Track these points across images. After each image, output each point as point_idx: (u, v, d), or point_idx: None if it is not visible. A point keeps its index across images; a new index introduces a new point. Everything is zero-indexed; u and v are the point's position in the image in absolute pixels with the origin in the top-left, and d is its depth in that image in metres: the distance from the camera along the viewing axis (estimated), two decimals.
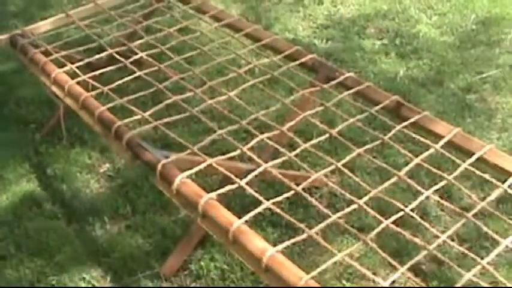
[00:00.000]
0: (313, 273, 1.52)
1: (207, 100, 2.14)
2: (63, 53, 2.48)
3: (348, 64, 3.55)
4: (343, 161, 1.90)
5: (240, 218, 1.64)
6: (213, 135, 1.97)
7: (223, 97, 2.16)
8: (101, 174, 2.78)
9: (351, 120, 2.09)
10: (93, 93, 2.19)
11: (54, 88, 2.36)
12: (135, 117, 2.06)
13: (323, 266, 1.57)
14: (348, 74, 2.30)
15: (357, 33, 3.92)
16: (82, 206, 2.61)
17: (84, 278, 2.28)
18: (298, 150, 1.93)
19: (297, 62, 2.38)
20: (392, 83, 3.38)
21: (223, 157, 1.91)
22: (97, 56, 2.46)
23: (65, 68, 2.35)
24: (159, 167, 1.84)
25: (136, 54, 2.44)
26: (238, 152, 1.91)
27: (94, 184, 2.73)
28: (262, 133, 1.97)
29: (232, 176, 1.79)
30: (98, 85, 2.23)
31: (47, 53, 2.49)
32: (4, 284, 2.29)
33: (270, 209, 1.71)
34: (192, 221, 2.37)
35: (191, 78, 2.68)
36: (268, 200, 1.71)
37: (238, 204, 2.46)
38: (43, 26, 2.78)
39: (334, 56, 3.64)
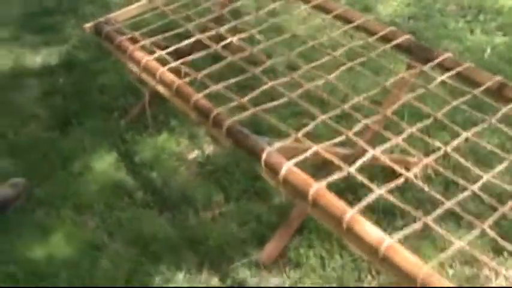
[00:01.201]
0: (433, 263, 1.46)
1: (303, 85, 2.08)
2: (151, 39, 2.46)
3: (432, 42, 3.44)
4: (452, 145, 1.83)
5: (350, 205, 1.59)
6: (317, 120, 1.91)
7: (321, 81, 2.09)
8: (191, 161, 2.76)
9: (454, 103, 2.00)
10: (186, 80, 2.16)
11: (144, 75, 2.34)
12: (232, 104, 2.01)
13: (443, 255, 1.51)
14: (446, 55, 2.20)
15: (439, 11, 3.79)
16: (174, 194, 2.59)
17: (181, 267, 2.26)
18: (405, 135, 1.85)
19: (393, 43, 2.29)
20: (480, 62, 3.25)
21: (328, 143, 1.85)
22: (185, 42, 2.42)
23: (155, 55, 2.32)
24: (264, 155, 1.79)
25: (226, 38, 2.40)
26: (343, 137, 1.85)
27: (184, 171, 2.70)
28: (363, 117, 1.91)
29: (341, 163, 1.73)
30: (190, 72, 2.19)
31: (133, 40, 2.47)
32: (101, 274, 2.29)
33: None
34: (289, 207, 2.32)
35: (284, 63, 2.63)
36: (377, 186, 1.65)
37: (345, 190, 2.39)
38: (126, 12, 2.76)
39: (418, 34, 3.52)
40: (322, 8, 2.61)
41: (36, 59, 3.64)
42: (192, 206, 2.52)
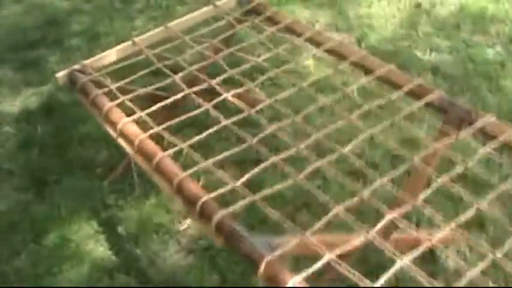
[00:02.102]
0: None
1: (313, 162, 1.68)
2: (131, 94, 2.07)
3: (459, 82, 3.03)
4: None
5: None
6: (330, 214, 1.51)
7: (334, 156, 1.69)
8: (182, 233, 2.36)
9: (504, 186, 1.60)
10: (171, 151, 1.78)
11: (121, 141, 1.96)
12: (227, 189, 1.62)
13: None
14: (489, 119, 1.79)
15: (464, 40, 3.38)
16: (160, 277, 2.20)
17: None
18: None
19: (422, 103, 1.88)
20: None
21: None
22: (171, 99, 2.03)
23: (135, 116, 1.94)
24: (263, 265, 1.39)
25: (219, 95, 2.01)
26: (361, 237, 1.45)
27: (173, 246, 2.30)
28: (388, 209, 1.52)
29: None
30: (175, 140, 1.80)
31: (111, 95, 2.09)
32: None
33: None
34: None
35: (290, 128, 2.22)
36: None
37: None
38: (106, 57, 2.37)
39: (442, 70, 3.12)
40: (336, 53, 2.21)
41: (15, 102, 3.26)
42: None
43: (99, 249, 2.33)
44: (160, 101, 2.04)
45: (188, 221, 2.40)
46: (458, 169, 1.61)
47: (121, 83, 2.14)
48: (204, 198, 1.59)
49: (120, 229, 2.40)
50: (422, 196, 1.53)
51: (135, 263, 2.26)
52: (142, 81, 2.18)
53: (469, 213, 1.50)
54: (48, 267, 2.27)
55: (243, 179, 1.65)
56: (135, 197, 2.51)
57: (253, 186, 1.61)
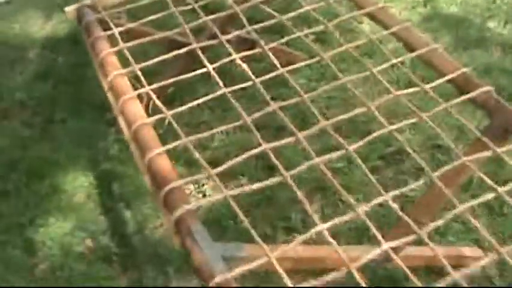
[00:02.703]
0: None
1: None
2: (138, 40, 1.80)
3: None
4: None
5: None
6: (316, 229, 1.22)
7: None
8: None
9: None
10: (154, 118, 1.51)
11: (109, 95, 1.71)
12: (200, 176, 1.36)
13: None
14: None
15: None
16: (145, 247, 1.97)
17: None
18: None
19: (466, 97, 1.53)
20: None
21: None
22: (174, 53, 1.75)
23: (129, 69, 1.68)
24: (212, 284, 1.13)
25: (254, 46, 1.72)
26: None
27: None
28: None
29: None
30: (162, 107, 1.53)
31: (113, 40, 1.83)
32: None
33: None
34: None
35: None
36: None
37: None
38: None
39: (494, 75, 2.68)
40: (377, 20, 1.87)
41: (45, 26, 3.04)
42: (163, 269, 1.89)
43: (89, 205, 2.12)
44: (179, 48, 1.78)
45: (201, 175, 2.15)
46: (488, 195, 1.29)
47: (133, 24, 1.89)
48: (170, 185, 1.33)
49: (115, 186, 2.18)
50: (431, 227, 1.22)
51: (122, 228, 2.04)
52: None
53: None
54: (33, 217, 2.08)
55: (222, 168, 1.38)
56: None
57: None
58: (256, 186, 1.34)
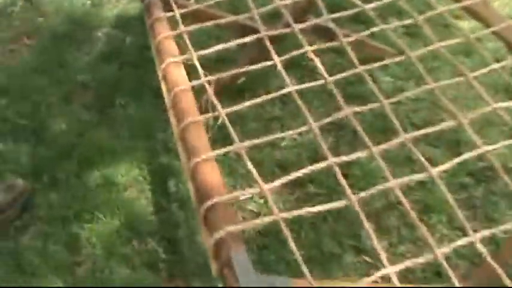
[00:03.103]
0: None
1: None
2: (198, 25, 1.59)
3: None
4: None
5: None
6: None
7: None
8: (241, 205, 1.91)
9: None
10: (205, 116, 1.31)
11: (162, 85, 1.51)
12: (251, 192, 1.15)
13: None
14: None
15: None
16: (195, 256, 1.78)
17: None
18: None
19: None
20: None
21: None
22: (239, 41, 1.53)
23: (185, 56, 1.48)
24: None
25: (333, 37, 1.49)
26: None
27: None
28: None
29: None
30: (216, 104, 1.32)
31: (175, 22, 1.63)
32: None
33: None
34: None
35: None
36: None
37: None
38: None
39: None
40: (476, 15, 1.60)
41: (118, 4, 2.89)
42: (212, 282, 1.70)
43: (141, 202, 1.94)
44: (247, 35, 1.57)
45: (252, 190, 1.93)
46: None
47: (198, 6, 1.69)
48: (213, 200, 1.12)
49: (171, 183, 1.99)
50: None
51: (173, 231, 1.85)
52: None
53: None
54: (80, 210, 1.93)
55: (277, 183, 1.15)
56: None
57: None
58: (316, 209, 1.11)
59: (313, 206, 1.66)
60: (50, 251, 1.82)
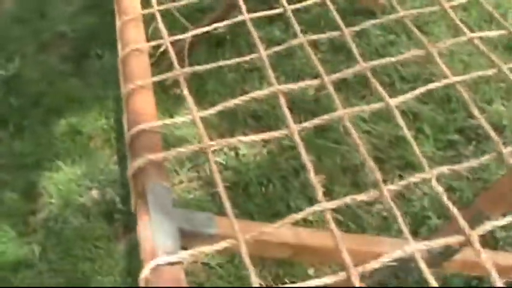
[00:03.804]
0: None
1: None
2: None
3: None
4: None
5: None
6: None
7: None
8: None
9: None
10: (151, 44, 1.18)
11: (117, 22, 1.39)
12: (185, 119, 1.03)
13: None
14: None
15: None
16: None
17: None
18: None
19: None
20: None
21: None
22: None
23: None
24: (145, 272, 0.80)
25: None
26: None
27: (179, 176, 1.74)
28: None
29: None
30: (163, 32, 1.19)
31: None
32: None
33: None
34: None
35: None
36: None
37: None
38: None
39: None
40: None
41: None
42: None
43: (104, 152, 1.83)
44: None
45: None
46: None
47: None
48: (140, 127, 0.99)
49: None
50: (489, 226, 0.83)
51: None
52: None
53: None
54: (41, 158, 1.83)
55: (212, 110, 1.03)
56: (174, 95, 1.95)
57: None
58: (250, 138, 0.98)
59: (286, 160, 1.54)
60: (6, 198, 1.72)
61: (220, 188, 0.89)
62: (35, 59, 2.23)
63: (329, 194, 1.65)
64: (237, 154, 1.75)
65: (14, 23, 2.41)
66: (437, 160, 1.71)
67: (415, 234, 1.53)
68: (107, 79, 2.07)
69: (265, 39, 2.01)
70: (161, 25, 1.23)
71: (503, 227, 1.63)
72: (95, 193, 1.70)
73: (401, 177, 1.66)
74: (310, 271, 1.44)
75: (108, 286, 1.47)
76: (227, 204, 0.85)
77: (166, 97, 1.91)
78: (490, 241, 1.59)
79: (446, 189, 1.47)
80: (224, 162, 1.75)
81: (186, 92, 1.05)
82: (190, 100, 1.03)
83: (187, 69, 1.11)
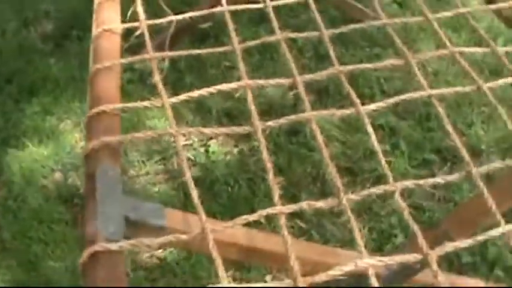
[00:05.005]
0: None
1: None
2: None
3: None
4: None
5: None
6: None
7: None
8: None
9: None
10: (125, 26, 1.14)
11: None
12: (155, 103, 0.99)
13: None
14: None
15: None
16: None
17: None
18: None
19: None
20: None
21: None
22: None
23: None
24: (83, 257, 0.76)
25: None
26: None
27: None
28: None
29: None
30: (140, 14, 1.15)
31: None
32: None
33: None
34: None
35: None
36: None
37: None
38: None
39: None
40: None
41: None
42: None
43: (73, 135, 1.79)
44: None
45: (152, 102, 1.76)
46: None
47: None
48: (100, 108, 0.95)
49: None
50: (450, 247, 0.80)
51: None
52: None
53: None
54: (8, 136, 1.79)
55: (182, 96, 0.99)
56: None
57: None
58: (219, 131, 0.94)
59: (256, 162, 1.50)
60: None
61: (188, 178, 0.85)
62: (15, 36, 2.18)
63: (295, 201, 1.62)
64: (207, 151, 1.71)
65: None
66: (409, 178, 1.68)
67: (380, 250, 1.50)
68: (84, 62, 2.01)
69: (250, 39, 1.97)
70: (140, 8, 1.19)
71: (470, 253, 1.61)
72: (58, 176, 1.66)
73: None
74: (268, 277, 1.41)
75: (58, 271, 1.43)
76: (194, 193, 0.81)
77: (143, 86, 1.87)
78: (455, 266, 1.56)
79: (415, 208, 1.45)
80: (193, 158, 1.71)
81: (157, 77, 1.01)
82: (160, 86, 0.99)
83: (158, 54, 1.08)
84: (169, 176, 1.65)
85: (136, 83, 1.90)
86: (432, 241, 0.81)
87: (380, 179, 1.67)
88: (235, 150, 1.73)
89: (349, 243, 1.52)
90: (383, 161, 0.88)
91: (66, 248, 1.48)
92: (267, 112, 1.77)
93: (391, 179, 0.86)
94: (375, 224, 1.58)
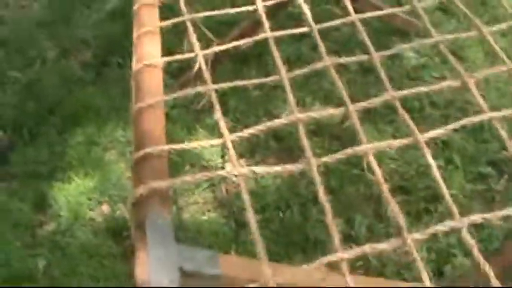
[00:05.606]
0: None
1: None
2: None
3: None
4: None
5: None
6: None
7: None
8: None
9: None
10: (167, 59, 1.11)
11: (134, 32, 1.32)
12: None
13: None
14: None
15: None
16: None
17: None
18: None
19: None
20: None
21: None
22: None
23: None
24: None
25: None
26: None
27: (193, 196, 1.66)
28: None
29: None
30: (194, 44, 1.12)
31: None
32: None
33: None
34: None
35: None
36: None
37: None
38: None
39: None
40: None
41: None
42: None
43: (119, 165, 1.76)
44: None
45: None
46: None
47: None
48: (146, 150, 0.92)
49: None
50: None
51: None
52: None
53: None
54: (54, 168, 1.78)
55: (246, 132, 0.95)
56: (194, 116, 1.88)
57: None
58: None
59: (307, 185, 1.45)
60: (14, 207, 1.65)
61: (253, 225, 0.81)
62: (55, 64, 2.18)
63: (350, 223, 1.58)
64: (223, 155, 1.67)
65: (36, 28, 2.36)
66: (467, 194, 1.61)
67: (440, 274, 1.44)
68: (126, 89, 2.00)
69: (293, 56, 1.93)
70: (192, 36, 1.15)
71: None
72: (105, 208, 1.64)
73: (427, 210, 1.57)
74: None
75: None
76: (259, 246, 0.77)
77: (186, 112, 1.84)
78: None
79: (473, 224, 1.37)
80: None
81: (218, 114, 0.96)
82: (222, 123, 0.94)
83: (217, 86, 1.03)
84: (219, 203, 1.61)
85: (179, 107, 1.87)
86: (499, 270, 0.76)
87: (435, 198, 1.61)
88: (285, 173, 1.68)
89: (406, 267, 1.47)
90: (447, 194, 0.83)
91: (117, 283, 1.45)
92: (313, 132, 1.73)
93: (457, 215, 0.81)
94: (433, 244, 1.52)
